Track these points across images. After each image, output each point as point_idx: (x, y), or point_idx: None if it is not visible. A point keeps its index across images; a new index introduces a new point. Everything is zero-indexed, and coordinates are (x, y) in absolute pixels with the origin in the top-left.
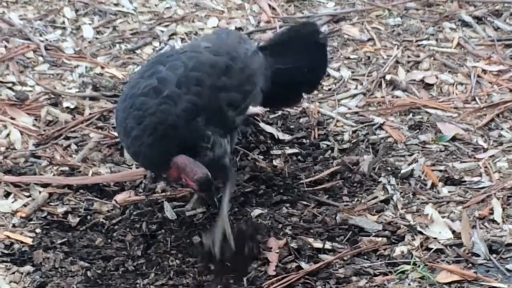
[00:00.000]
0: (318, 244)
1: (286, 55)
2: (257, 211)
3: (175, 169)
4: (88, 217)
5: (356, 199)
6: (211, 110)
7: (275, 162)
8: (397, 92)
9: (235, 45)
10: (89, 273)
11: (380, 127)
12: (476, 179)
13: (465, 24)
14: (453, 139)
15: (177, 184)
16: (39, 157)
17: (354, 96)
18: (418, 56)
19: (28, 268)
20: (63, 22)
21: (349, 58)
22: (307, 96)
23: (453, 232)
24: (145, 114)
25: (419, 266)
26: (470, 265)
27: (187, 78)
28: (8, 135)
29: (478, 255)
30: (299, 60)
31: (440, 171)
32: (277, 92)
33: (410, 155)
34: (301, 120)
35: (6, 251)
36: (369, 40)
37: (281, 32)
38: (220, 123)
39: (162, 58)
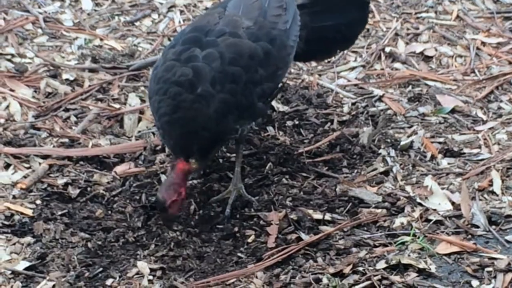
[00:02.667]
0: (318, 216)
1: (325, 13)
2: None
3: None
4: (88, 188)
5: (355, 170)
6: (243, 106)
7: (275, 134)
8: (397, 65)
9: (275, 19)
10: (89, 244)
11: (380, 99)
12: (475, 151)
13: None
14: (453, 111)
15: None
16: (38, 129)
17: (353, 68)
18: (417, 28)
19: (28, 239)
20: None
21: None
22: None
23: (453, 203)
24: (180, 105)
25: (418, 238)
26: (469, 236)
27: (223, 74)
28: (7, 107)
29: (477, 227)
30: (338, 17)
31: (440, 143)
32: (309, 49)
33: (409, 127)
34: (300, 92)
35: (6, 222)
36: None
37: None
38: (251, 115)
39: (200, 34)
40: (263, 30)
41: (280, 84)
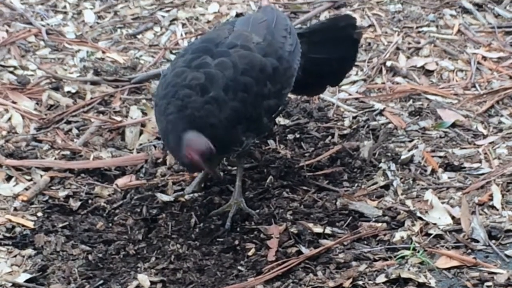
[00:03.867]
0: (318, 229)
1: (322, 45)
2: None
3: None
4: (89, 201)
5: (356, 184)
6: (252, 118)
7: (276, 147)
8: (398, 79)
9: (282, 39)
10: (90, 257)
11: (381, 113)
12: (475, 165)
13: (466, 10)
14: (453, 125)
15: (193, 168)
16: (40, 141)
17: (354, 82)
18: (418, 42)
19: (29, 251)
20: (65, 7)
21: None
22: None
23: (453, 218)
24: (188, 106)
25: (418, 252)
26: (469, 250)
27: (236, 83)
28: (9, 119)
29: (477, 241)
30: (332, 51)
31: (440, 157)
32: (303, 80)
33: (410, 141)
34: (301, 105)
35: (7, 234)
36: (370, 26)
37: (320, 22)
38: (256, 129)
39: (210, 45)
40: (272, 47)
41: (282, 106)
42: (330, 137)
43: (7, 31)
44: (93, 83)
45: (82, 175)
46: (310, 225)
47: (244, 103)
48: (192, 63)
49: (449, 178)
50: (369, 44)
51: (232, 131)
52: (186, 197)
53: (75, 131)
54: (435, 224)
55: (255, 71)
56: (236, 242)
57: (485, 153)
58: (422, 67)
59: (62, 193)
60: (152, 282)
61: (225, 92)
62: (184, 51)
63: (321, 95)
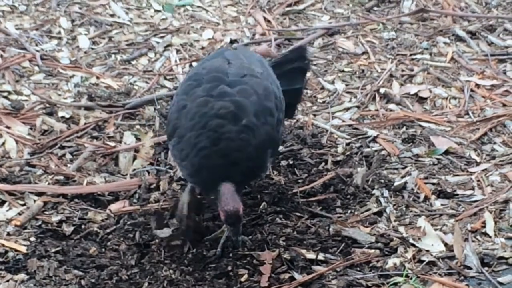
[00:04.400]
0: (311, 255)
1: (281, 78)
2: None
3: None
4: (82, 226)
5: (349, 211)
6: (276, 143)
7: (269, 173)
8: (391, 106)
9: (271, 71)
10: (83, 282)
11: (374, 139)
12: (468, 192)
13: (459, 38)
14: (446, 152)
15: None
16: (34, 166)
17: (348, 109)
18: (412, 70)
19: (22, 276)
20: (59, 32)
21: (343, 71)
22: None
23: (446, 244)
24: (222, 137)
25: (411, 278)
26: (462, 277)
27: (263, 108)
28: (3, 143)
29: (470, 268)
30: (289, 83)
31: (433, 184)
32: None
33: (403, 168)
34: (295, 132)
35: (0, 259)
36: (363, 53)
37: (283, 54)
38: (275, 154)
39: (221, 75)
40: (271, 77)
41: None
42: (323, 163)
43: (1, 56)
44: (87, 108)
45: (76, 200)
46: (303, 251)
47: (272, 127)
48: (213, 92)
49: (442, 205)
50: (363, 71)
51: (262, 156)
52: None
53: (68, 156)
54: (428, 251)
55: (271, 97)
56: (229, 268)
57: (478, 180)
58: (416, 94)
59: (55, 218)
60: None
61: (256, 118)
62: (194, 80)
63: (315, 122)
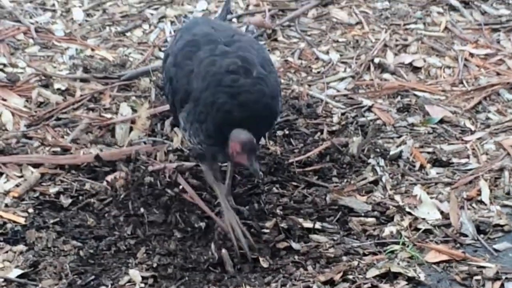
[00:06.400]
0: (308, 224)
1: None
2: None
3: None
4: (80, 197)
5: (345, 180)
6: (281, 89)
7: (266, 143)
8: (386, 75)
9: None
10: (81, 253)
11: (369, 109)
12: (463, 160)
13: (453, 8)
14: (441, 121)
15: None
16: (30, 138)
17: (343, 79)
18: (406, 39)
19: (21, 247)
20: (53, 5)
21: (337, 41)
22: None
23: (441, 212)
24: (240, 90)
25: (408, 246)
26: (458, 245)
27: (263, 59)
28: None
29: (466, 235)
30: None
31: (428, 153)
32: None
33: (398, 137)
34: (290, 102)
35: None
36: (357, 23)
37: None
38: (281, 101)
39: (214, 38)
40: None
41: None
42: (319, 133)
43: None
44: (83, 80)
45: (73, 171)
46: (300, 220)
47: (275, 75)
48: (215, 52)
49: (437, 173)
50: (357, 41)
51: (276, 103)
52: None
53: (65, 128)
54: (424, 219)
55: (263, 50)
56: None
57: (473, 149)
58: (410, 64)
59: (53, 190)
60: (143, 278)
61: (263, 68)
62: (191, 46)
63: (310, 92)
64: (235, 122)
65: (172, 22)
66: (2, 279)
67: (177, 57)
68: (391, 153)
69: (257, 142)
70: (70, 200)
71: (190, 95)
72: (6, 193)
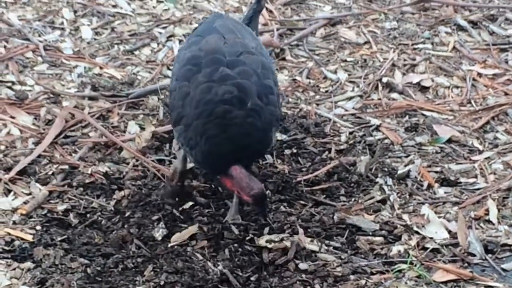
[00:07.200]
0: (314, 247)
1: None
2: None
3: (230, 180)
4: (88, 215)
5: (353, 199)
6: (279, 118)
7: (273, 162)
8: (394, 95)
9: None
10: (88, 270)
11: (377, 128)
12: (471, 180)
13: (461, 28)
14: (449, 141)
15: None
16: (39, 156)
17: (351, 98)
18: (414, 59)
19: (28, 264)
20: (62, 23)
21: (345, 60)
22: None
23: (449, 232)
24: (230, 123)
25: (415, 265)
26: (466, 264)
27: (264, 87)
28: (8, 133)
29: (474, 255)
30: None
31: (436, 172)
32: None
33: (406, 157)
34: (298, 121)
35: (6, 248)
36: (365, 43)
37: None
38: (278, 128)
39: (218, 56)
40: (263, 49)
41: None
42: (327, 152)
43: (5, 47)
44: (91, 98)
45: (80, 189)
46: (308, 239)
47: (274, 105)
48: (214, 77)
49: (445, 193)
50: (365, 60)
51: (269, 136)
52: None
53: (73, 146)
54: (431, 238)
55: (269, 73)
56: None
57: (481, 168)
58: (418, 83)
59: (60, 207)
60: None
61: (260, 99)
62: (193, 65)
63: (318, 111)
64: (224, 155)
65: (180, 41)
66: None
67: (180, 70)
68: (399, 172)
69: (247, 169)
70: (77, 218)
71: (182, 118)
72: (14, 210)
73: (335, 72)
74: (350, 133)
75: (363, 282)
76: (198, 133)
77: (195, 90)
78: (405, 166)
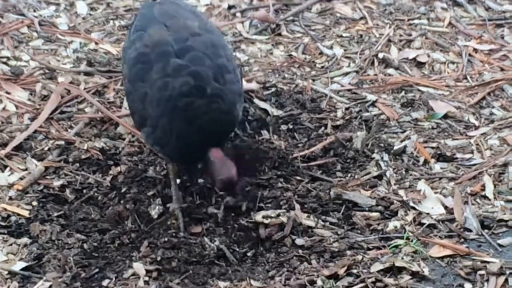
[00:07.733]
0: (311, 222)
1: None
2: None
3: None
4: (84, 190)
5: (349, 174)
6: (240, 93)
7: (270, 138)
8: (390, 70)
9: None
10: (85, 246)
11: (373, 104)
12: (467, 156)
13: (456, 3)
14: (445, 116)
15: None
16: (35, 131)
17: (347, 73)
18: (410, 35)
19: (25, 240)
20: None
21: (341, 36)
22: None
23: (446, 207)
24: (195, 114)
25: (412, 241)
26: (462, 240)
27: (218, 68)
28: (3, 109)
29: (470, 230)
30: None
31: (432, 148)
32: None
33: (402, 132)
34: (294, 97)
35: (3, 223)
36: (361, 18)
37: None
38: (242, 101)
39: (167, 47)
40: (208, 24)
41: None
42: (323, 128)
43: (0, 22)
44: (87, 74)
45: (77, 165)
46: (304, 215)
47: (232, 82)
48: (167, 71)
49: (441, 168)
50: (361, 36)
51: (236, 113)
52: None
53: (69, 121)
54: (428, 213)
55: (219, 51)
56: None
57: (477, 144)
58: (414, 59)
59: (57, 183)
60: (147, 271)
61: (217, 81)
62: (143, 63)
63: (314, 87)
64: (197, 145)
65: None
66: (6, 272)
67: (131, 71)
68: (395, 148)
69: (220, 148)
70: (74, 193)
71: (146, 120)
72: (10, 186)
73: (331, 47)
74: (346, 108)
75: (359, 257)
76: (166, 132)
77: (152, 89)
78: (401, 141)
